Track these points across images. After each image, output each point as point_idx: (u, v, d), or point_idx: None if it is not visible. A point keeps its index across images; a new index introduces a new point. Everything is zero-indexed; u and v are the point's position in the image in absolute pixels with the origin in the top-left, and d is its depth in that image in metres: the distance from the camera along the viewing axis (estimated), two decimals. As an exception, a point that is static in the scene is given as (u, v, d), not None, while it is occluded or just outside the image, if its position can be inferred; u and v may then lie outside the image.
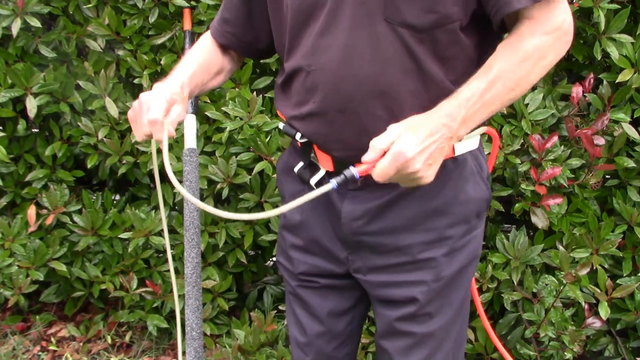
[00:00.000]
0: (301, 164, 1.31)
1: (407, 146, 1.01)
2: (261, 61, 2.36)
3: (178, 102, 1.19)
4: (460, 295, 1.31)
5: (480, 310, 1.72)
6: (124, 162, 2.41)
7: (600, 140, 2.05)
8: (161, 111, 1.14)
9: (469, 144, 1.25)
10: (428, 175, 1.05)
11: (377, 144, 1.04)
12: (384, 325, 1.32)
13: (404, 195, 1.22)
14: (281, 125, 1.32)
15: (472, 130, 1.11)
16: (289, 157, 1.40)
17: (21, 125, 2.48)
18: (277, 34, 1.30)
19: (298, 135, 1.25)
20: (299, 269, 1.38)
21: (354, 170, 1.07)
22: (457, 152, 1.23)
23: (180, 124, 2.23)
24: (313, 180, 1.28)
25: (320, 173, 1.28)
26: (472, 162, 1.26)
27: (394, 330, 1.30)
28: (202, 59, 1.36)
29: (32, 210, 2.43)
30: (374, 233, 1.25)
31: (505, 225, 2.32)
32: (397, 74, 1.13)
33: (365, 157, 1.05)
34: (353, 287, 1.38)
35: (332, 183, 1.07)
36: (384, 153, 1.03)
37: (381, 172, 1.03)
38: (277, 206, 2.35)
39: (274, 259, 2.70)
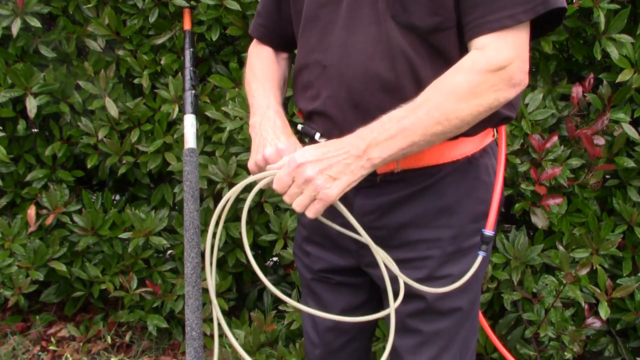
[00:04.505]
0: None
1: (301, 153, 1.08)
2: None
3: (288, 135, 1.24)
4: (469, 298, 1.31)
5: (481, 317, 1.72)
6: (124, 162, 2.41)
7: (600, 140, 2.05)
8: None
9: (483, 143, 1.26)
10: (329, 187, 1.07)
11: (285, 157, 1.13)
12: (396, 320, 1.33)
13: (416, 192, 1.24)
14: (300, 126, 1.34)
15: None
16: None
17: (21, 125, 2.48)
18: (295, 25, 1.34)
19: (317, 136, 1.26)
20: (316, 266, 1.41)
21: (488, 232, 1.23)
22: (471, 151, 1.23)
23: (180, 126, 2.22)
24: None
25: None
26: (487, 163, 1.27)
27: (404, 326, 1.31)
28: (271, 77, 1.39)
29: (32, 210, 2.43)
30: (384, 228, 1.26)
31: (505, 225, 2.31)
32: (403, 70, 1.14)
33: (271, 165, 1.14)
34: (364, 284, 1.40)
35: (481, 253, 1.23)
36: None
37: (278, 179, 1.10)
38: (277, 207, 2.38)
39: (274, 259, 2.71)
